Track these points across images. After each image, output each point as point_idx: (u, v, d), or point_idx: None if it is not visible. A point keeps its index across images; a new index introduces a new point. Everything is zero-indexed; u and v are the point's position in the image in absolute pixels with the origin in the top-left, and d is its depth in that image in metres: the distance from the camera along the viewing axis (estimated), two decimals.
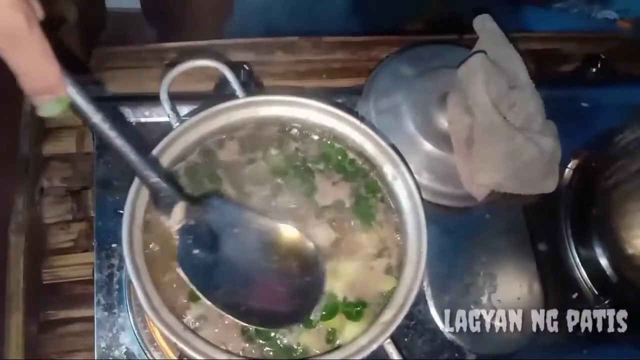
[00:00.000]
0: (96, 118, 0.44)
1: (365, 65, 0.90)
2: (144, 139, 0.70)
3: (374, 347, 0.50)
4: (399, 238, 0.56)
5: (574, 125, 0.81)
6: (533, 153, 0.70)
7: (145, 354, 0.63)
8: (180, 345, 0.47)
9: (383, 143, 0.57)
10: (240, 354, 0.50)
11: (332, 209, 0.57)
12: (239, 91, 0.59)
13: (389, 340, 0.51)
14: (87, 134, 0.80)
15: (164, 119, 0.72)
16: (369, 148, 0.58)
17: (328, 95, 0.71)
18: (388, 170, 0.57)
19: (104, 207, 0.67)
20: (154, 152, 0.52)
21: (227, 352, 0.49)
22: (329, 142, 0.60)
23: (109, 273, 0.65)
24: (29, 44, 0.37)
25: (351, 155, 0.60)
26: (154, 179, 0.48)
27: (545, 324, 0.73)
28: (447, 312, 0.71)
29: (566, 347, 0.74)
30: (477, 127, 0.69)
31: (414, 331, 0.69)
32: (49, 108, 0.41)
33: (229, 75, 0.59)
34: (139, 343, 0.63)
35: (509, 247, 0.76)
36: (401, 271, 0.54)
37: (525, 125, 0.72)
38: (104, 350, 0.63)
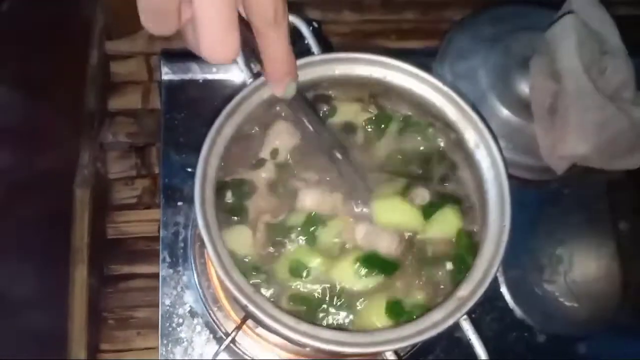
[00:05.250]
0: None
1: (437, 26, 0.86)
2: (212, 96, 0.68)
3: (450, 323, 0.47)
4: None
5: None
6: (624, 125, 0.65)
7: (209, 313, 0.62)
8: (251, 307, 0.45)
9: (466, 107, 0.53)
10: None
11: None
12: (314, 47, 0.55)
13: (465, 316, 0.48)
14: (153, 89, 0.79)
15: (231, 76, 0.71)
16: (450, 112, 0.54)
17: (399, 57, 0.67)
18: (470, 136, 0.54)
19: (170, 164, 0.66)
20: (228, 107, 0.50)
21: (296, 317, 0.48)
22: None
23: (174, 231, 0.65)
24: (284, 29, 0.38)
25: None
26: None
27: (622, 308, 0.69)
28: (518, 289, 0.68)
29: None
30: (564, 93, 0.64)
31: (482, 308, 0.67)
32: (289, 90, 0.44)
33: (305, 31, 0.56)
34: (203, 302, 0.63)
35: (588, 224, 0.72)
36: (481, 244, 0.50)
37: (616, 94, 0.67)
38: (168, 307, 0.63)
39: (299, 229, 0.50)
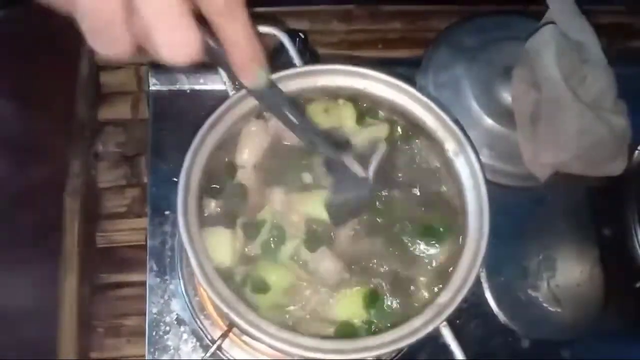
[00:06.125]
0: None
1: (423, 35, 0.87)
2: (199, 106, 0.69)
3: (430, 329, 0.48)
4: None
5: None
6: (603, 132, 0.66)
7: (196, 321, 0.63)
8: (233, 317, 0.46)
9: (446, 117, 0.54)
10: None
11: None
12: (296, 59, 0.57)
13: (444, 323, 0.49)
14: (142, 100, 0.80)
15: (218, 87, 0.72)
16: (430, 122, 0.55)
17: (384, 66, 0.68)
18: (449, 146, 0.55)
19: (158, 174, 0.67)
20: (211, 119, 0.51)
21: (279, 325, 0.48)
22: None
23: (161, 240, 0.65)
24: (240, 14, 0.37)
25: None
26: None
27: (605, 313, 0.70)
28: (502, 295, 0.68)
29: (626, 337, 0.72)
30: (545, 102, 0.66)
31: (466, 314, 0.67)
32: (259, 79, 0.42)
33: (287, 43, 0.57)
34: (190, 310, 0.64)
35: (571, 230, 0.73)
36: (460, 251, 0.51)
37: (596, 103, 0.68)
38: (155, 316, 0.63)
39: (265, 232, 0.51)
